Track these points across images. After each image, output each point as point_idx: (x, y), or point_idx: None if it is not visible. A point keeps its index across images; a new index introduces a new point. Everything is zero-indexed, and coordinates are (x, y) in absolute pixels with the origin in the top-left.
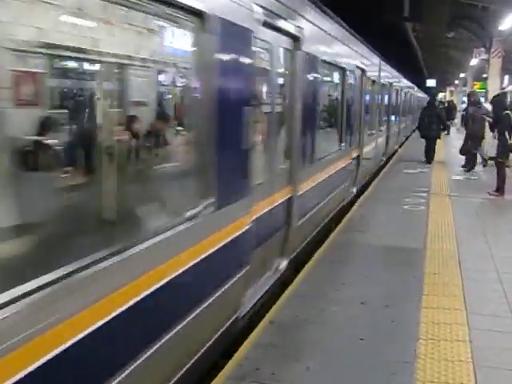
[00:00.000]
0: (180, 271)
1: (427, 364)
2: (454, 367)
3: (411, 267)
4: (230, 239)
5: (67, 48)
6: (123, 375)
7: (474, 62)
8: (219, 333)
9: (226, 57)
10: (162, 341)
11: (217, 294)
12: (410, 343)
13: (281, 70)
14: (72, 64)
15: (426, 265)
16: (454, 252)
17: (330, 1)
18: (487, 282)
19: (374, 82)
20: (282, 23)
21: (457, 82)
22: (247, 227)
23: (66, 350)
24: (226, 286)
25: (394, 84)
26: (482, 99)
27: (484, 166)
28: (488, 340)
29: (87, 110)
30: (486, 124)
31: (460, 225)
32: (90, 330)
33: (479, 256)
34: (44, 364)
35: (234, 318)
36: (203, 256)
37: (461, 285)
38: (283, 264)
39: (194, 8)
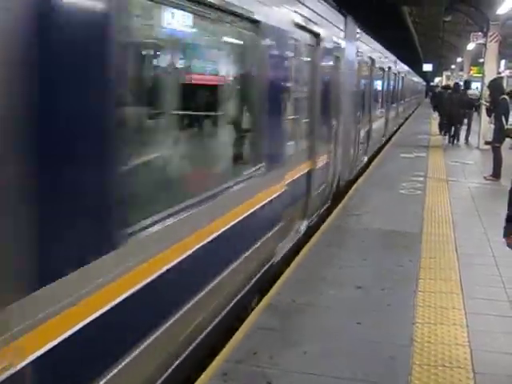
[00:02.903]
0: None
1: (424, 347)
2: (450, 351)
3: (408, 251)
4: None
5: None
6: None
7: (470, 46)
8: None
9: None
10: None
11: None
12: (406, 327)
13: None
14: None
15: (423, 249)
16: (450, 236)
17: None
18: (484, 266)
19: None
20: None
21: (453, 66)
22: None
23: None
24: None
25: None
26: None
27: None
28: (484, 324)
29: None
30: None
31: (457, 209)
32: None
33: (476, 240)
34: None
35: None
36: None
37: (457, 269)
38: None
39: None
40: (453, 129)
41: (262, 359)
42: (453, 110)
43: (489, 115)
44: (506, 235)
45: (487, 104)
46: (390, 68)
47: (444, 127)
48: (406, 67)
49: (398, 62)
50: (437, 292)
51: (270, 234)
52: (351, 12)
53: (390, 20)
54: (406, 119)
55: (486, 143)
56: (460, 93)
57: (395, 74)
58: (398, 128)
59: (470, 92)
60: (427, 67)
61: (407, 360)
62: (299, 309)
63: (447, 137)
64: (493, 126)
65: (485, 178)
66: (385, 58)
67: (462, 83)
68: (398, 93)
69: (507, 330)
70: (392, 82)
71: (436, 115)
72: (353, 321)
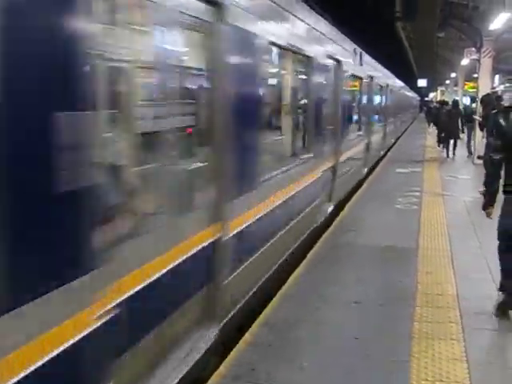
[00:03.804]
0: None
1: (421, 363)
2: (448, 366)
3: (404, 266)
4: None
5: None
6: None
7: (464, 61)
8: None
9: None
10: None
11: None
12: (404, 342)
13: None
14: None
15: (419, 264)
16: (446, 251)
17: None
18: (480, 280)
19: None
20: None
21: (448, 82)
22: None
23: None
24: None
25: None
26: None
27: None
28: (482, 338)
29: None
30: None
31: (452, 223)
32: None
33: (472, 254)
34: None
35: None
36: None
37: (454, 283)
38: None
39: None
40: (451, 142)
41: (259, 375)
42: (450, 124)
43: (481, 129)
44: (484, 208)
45: (480, 119)
46: (346, 65)
47: (443, 141)
48: (390, 75)
49: (372, 61)
50: (434, 307)
51: None
52: (346, 27)
53: (384, 36)
54: (393, 145)
55: (479, 158)
56: (459, 108)
57: (361, 79)
58: (378, 161)
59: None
60: (422, 82)
61: (405, 375)
62: (296, 324)
63: (445, 150)
64: (485, 141)
65: (479, 192)
66: (324, 38)
67: (457, 98)
68: (376, 112)
69: (504, 345)
70: (355, 97)
71: (431, 129)
72: (350, 336)
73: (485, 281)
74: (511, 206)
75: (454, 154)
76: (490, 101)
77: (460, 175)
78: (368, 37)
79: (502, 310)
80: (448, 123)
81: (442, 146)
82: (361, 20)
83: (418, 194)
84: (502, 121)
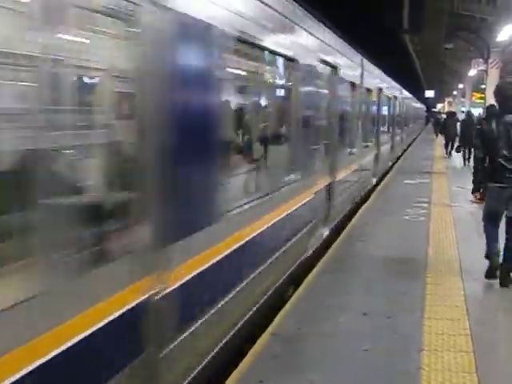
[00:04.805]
0: None
1: (431, 375)
2: (458, 378)
3: (413, 278)
4: None
5: None
6: None
7: (472, 72)
8: None
9: None
10: None
11: None
12: (413, 354)
13: None
14: None
15: (428, 275)
16: (455, 262)
17: (328, 12)
18: (489, 291)
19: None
20: None
21: (455, 92)
22: None
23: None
24: None
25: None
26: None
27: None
28: (491, 350)
29: None
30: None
31: (461, 235)
32: None
33: (481, 266)
34: None
35: None
36: None
37: (463, 295)
38: None
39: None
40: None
41: None
42: (462, 134)
43: None
44: (473, 193)
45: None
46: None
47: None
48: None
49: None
50: (443, 318)
51: None
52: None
53: (391, 48)
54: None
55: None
56: (472, 119)
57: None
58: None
59: None
60: (429, 93)
61: None
62: (305, 336)
63: (462, 159)
64: None
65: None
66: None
67: (469, 109)
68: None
69: None
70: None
71: (439, 140)
72: (359, 348)
73: (494, 292)
74: (493, 193)
75: (468, 161)
76: (495, 112)
77: (468, 186)
78: (374, 47)
79: (490, 274)
80: (462, 133)
81: (448, 153)
82: (367, 31)
83: (426, 205)
84: (483, 125)
